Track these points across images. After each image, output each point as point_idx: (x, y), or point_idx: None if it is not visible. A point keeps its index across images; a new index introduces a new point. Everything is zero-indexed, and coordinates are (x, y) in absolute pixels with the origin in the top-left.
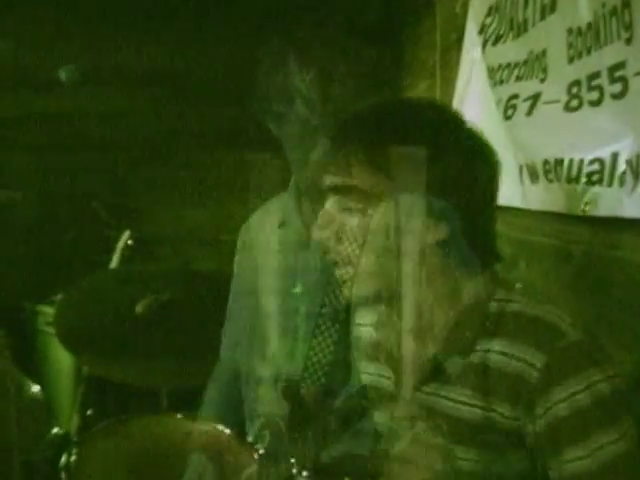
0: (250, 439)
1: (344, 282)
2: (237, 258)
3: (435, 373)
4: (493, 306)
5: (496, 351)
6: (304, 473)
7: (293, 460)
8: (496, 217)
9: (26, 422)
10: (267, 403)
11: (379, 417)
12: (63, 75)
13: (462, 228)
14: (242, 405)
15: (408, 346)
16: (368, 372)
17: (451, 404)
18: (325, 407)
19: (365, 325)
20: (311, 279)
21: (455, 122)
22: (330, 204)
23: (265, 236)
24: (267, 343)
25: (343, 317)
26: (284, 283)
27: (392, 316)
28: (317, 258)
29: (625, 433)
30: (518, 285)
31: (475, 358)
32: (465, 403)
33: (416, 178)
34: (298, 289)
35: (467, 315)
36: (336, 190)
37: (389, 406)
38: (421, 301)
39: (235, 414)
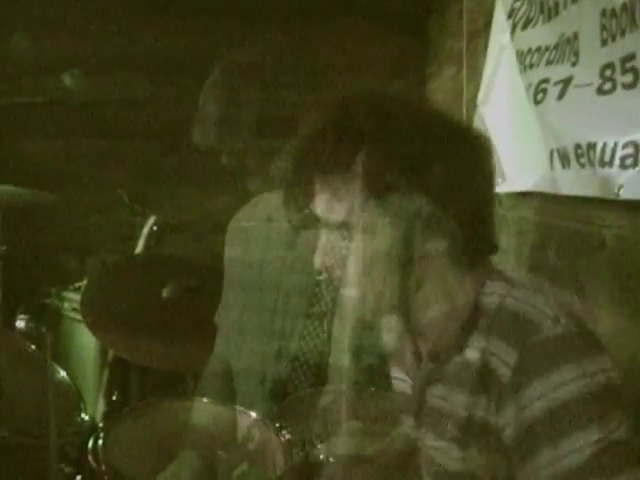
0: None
1: (351, 301)
2: (226, 253)
3: (434, 372)
4: (484, 301)
5: (480, 348)
6: (331, 459)
7: (320, 446)
8: (494, 208)
9: (55, 407)
10: (256, 402)
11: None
12: (67, 79)
13: (465, 230)
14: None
15: (408, 348)
16: (394, 377)
17: (446, 404)
18: (313, 406)
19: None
20: (297, 279)
21: (430, 121)
22: (324, 236)
23: (253, 231)
24: (254, 341)
25: (331, 317)
26: (269, 281)
27: (398, 321)
28: (303, 259)
29: (608, 430)
30: (529, 277)
31: (466, 355)
32: (459, 404)
33: (403, 196)
34: (284, 286)
35: (459, 312)
36: (327, 225)
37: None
38: (421, 301)
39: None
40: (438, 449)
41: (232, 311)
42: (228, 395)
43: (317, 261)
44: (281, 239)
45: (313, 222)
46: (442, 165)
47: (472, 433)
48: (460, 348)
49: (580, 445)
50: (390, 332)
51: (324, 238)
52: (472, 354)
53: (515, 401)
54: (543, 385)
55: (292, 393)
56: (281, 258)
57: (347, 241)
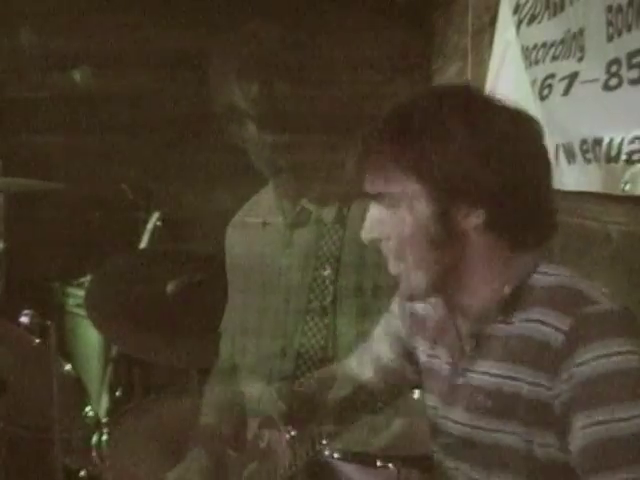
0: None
1: (398, 277)
2: (227, 259)
3: (482, 348)
4: (535, 278)
5: (529, 319)
6: (335, 455)
7: (325, 442)
8: (551, 193)
9: (60, 401)
10: (263, 401)
11: (430, 399)
12: (77, 76)
13: (505, 207)
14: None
15: (450, 322)
16: (426, 352)
17: (491, 379)
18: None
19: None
20: (295, 277)
21: (488, 102)
22: (372, 207)
23: (249, 237)
24: (257, 341)
25: (331, 311)
26: (269, 282)
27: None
28: (300, 256)
29: None
30: None
31: (516, 329)
32: (504, 376)
33: (448, 172)
34: (283, 284)
35: (510, 293)
36: (373, 197)
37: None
38: (465, 280)
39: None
40: (471, 425)
41: (236, 313)
42: (237, 394)
43: (365, 234)
44: (277, 239)
45: (306, 220)
46: (476, 145)
47: (517, 406)
48: (506, 323)
49: (631, 415)
50: (418, 310)
51: (371, 209)
52: (520, 326)
53: (569, 362)
54: (597, 350)
55: (298, 390)
56: (279, 257)
57: (393, 215)
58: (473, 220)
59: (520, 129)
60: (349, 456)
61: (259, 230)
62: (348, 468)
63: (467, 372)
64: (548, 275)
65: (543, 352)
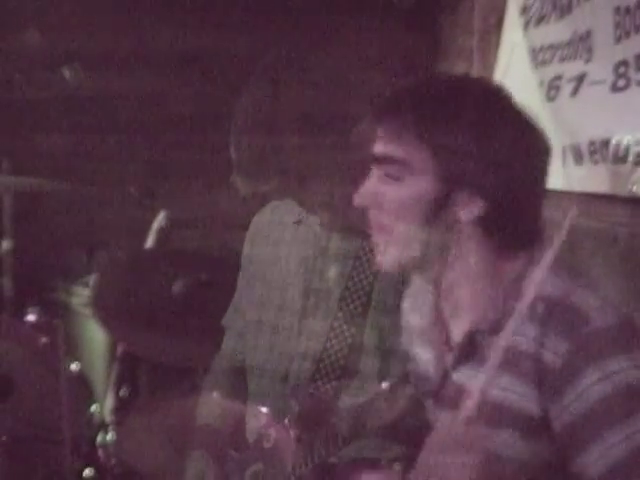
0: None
1: (376, 246)
2: (246, 251)
3: (469, 353)
4: (529, 287)
5: (526, 335)
6: (341, 459)
7: (331, 446)
8: (543, 197)
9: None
10: (273, 399)
11: (427, 404)
12: (67, 73)
13: (505, 206)
14: (244, 397)
15: (442, 324)
16: (419, 357)
17: (478, 385)
18: (337, 407)
19: (414, 311)
20: (328, 282)
21: (503, 98)
22: (371, 175)
23: (278, 232)
24: (277, 338)
25: (359, 321)
26: (298, 280)
27: (425, 293)
28: (337, 261)
29: None
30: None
31: (507, 339)
32: (497, 386)
33: (460, 153)
34: (322, 285)
35: (501, 295)
36: (380, 159)
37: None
38: (454, 277)
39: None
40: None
41: (250, 309)
42: (239, 393)
43: (358, 199)
44: (310, 240)
45: (342, 225)
46: (491, 138)
47: (503, 414)
48: (501, 332)
49: (633, 431)
50: (416, 311)
51: (370, 176)
52: (516, 339)
53: (569, 389)
54: (596, 373)
55: (313, 392)
56: (310, 258)
57: (393, 184)
58: (471, 210)
59: (532, 135)
60: (354, 460)
61: (289, 226)
62: (354, 472)
63: (456, 373)
64: (541, 284)
65: (537, 369)
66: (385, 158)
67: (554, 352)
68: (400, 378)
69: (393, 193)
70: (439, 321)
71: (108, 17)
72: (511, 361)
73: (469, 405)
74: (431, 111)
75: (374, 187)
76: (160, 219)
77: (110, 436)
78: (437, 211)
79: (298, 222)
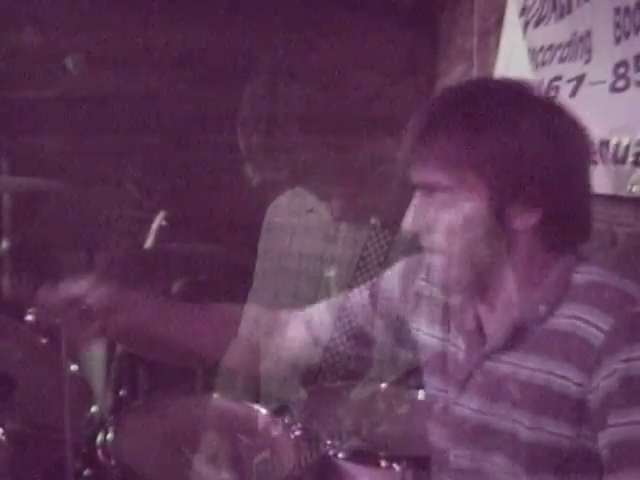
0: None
1: (434, 267)
2: (262, 239)
3: (513, 341)
4: (574, 277)
5: (566, 315)
6: (340, 454)
7: (329, 442)
8: (591, 193)
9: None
10: (283, 387)
11: (437, 383)
12: (70, 64)
13: (559, 209)
14: (257, 383)
15: (470, 310)
16: (432, 335)
17: (527, 372)
18: (344, 395)
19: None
20: (339, 269)
21: (543, 106)
22: (418, 199)
23: (293, 219)
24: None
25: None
26: (313, 268)
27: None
28: (344, 252)
29: None
30: None
31: (551, 324)
32: (541, 370)
33: (511, 169)
34: (330, 273)
35: (549, 290)
36: (430, 187)
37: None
38: (502, 279)
39: (249, 393)
40: (495, 415)
41: (264, 296)
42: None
43: (407, 221)
44: (320, 230)
45: (353, 216)
46: (543, 147)
47: (544, 398)
48: (542, 318)
49: None
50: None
51: (417, 201)
52: (556, 322)
53: (611, 359)
54: (635, 352)
55: (322, 383)
56: (321, 247)
57: (443, 208)
58: (528, 219)
59: (577, 129)
60: (354, 456)
61: (303, 214)
62: (353, 468)
63: (491, 361)
64: (586, 273)
65: (579, 348)
66: (435, 187)
67: (598, 328)
68: (400, 378)
69: (447, 218)
70: (470, 308)
71: (108, 17)
72: (555, 344)
73: (513, 390)
74: (478, 133)
75: (425, 213)
76: (159, 219)
77: (110, 436)
78: (493, 227)
79: (311, 210)
